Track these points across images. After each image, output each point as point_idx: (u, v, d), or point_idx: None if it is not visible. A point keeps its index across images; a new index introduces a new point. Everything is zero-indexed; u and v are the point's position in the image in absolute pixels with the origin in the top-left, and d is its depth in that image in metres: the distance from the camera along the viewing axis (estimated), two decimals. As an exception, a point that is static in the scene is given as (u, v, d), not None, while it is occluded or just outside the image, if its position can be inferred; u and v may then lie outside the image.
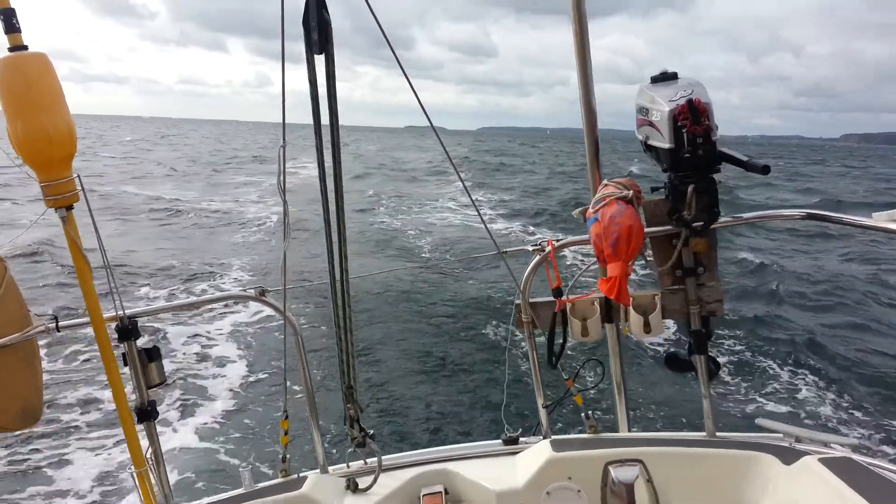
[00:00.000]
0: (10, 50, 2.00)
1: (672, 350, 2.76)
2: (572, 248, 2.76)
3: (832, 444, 2.48)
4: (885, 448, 6.98)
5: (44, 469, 5.79)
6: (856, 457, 2.26)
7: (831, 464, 2.09)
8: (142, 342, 2.49)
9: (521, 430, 2.91)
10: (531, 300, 2.67)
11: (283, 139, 2.04)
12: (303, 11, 1.81)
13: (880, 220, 2.04)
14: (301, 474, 2.60)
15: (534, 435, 2.92)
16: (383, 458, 2.61)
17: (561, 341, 2.67)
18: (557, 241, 2.64)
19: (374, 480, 2.49)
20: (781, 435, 2.62)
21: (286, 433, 2.71)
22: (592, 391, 2.85)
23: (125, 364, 2.44)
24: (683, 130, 2.28)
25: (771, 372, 9.20)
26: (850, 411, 7.98)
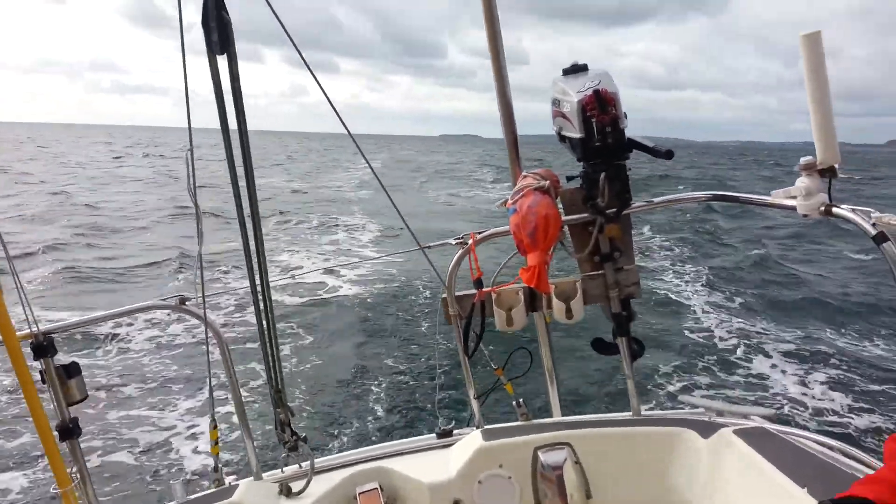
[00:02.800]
0: None
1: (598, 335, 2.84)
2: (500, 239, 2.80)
3: (752, 416, 2.59)
4: (803, 415, 7.36)
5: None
6: (770, 426, 2.38)
7: (745, 434, 2.19)
8: (60, 358, 2.41)
9: (454, 422, 2.94)
10: (457, 293, 2.69)
11: (191, 143, 2.01)
12: (201, 12, 1.79)
13: (778, 196, 2.15)
14: (234, 483, 2.56)
15: (468, 426, 2.95)
16: (317, 460, 2.60)
17: (482, 332, 2.71)
18: (479, 233, 2.68)
19: (307, 483, 2.48)
20: (703, 410, 2.73)
21: (216, 443, 2.67)
22: (522, 380, 2.89)
23: (44, 382, 2.36)
24: (592, 120, 2.35)
25: (696, 349, 9.57)
26: (771, 382, 8.38)
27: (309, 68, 2.08)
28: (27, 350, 2.30)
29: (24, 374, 2.26)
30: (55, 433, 2.36)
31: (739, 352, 9.50)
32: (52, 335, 2.38)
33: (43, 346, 2.33)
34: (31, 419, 2.29)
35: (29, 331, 2.32)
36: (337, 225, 22.51)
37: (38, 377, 2.34)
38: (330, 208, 27.12)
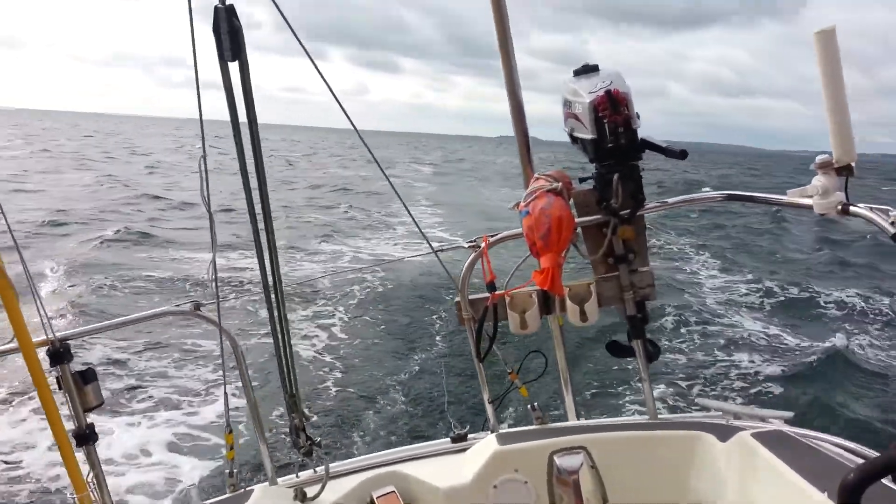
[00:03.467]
0: None
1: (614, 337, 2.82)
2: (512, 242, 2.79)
3: (770, 419, 2.56)
4: (821, 418, 7.26)
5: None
6: (788, 429, 2.35)
7: (763, 437, 2.17)
8: (76, 365, 2.42)
9: (469, 426, 2.93)
10: (471, 297, 2.68)
11: (204, 150, 2.02)
12: (212, 19, 1.79)
13: (793, 196, 2.13)
14: (249, 488, 2.57)
15: (482, 431, 2.94)
16: (332, 465, 2.59)
17: (495, 336, 2.69)
18: (492, 236, 2.67)
19: (322, 488, 2.48)
20: (721, 413, 2.70)
21: (231, 448, 2.67)
22: (536, 383, 2.88)
23: (60, 388, 2.37)
24: (604, 121, 2.34)
25: (713, 352, 9.48)
26: (789, 386, 8.29)
27: (307, 53, 2.08)
28: (43, 356, 2.32)
29: (40, 380, 2.28)
30: (71, 439, 2.37)
31: (757, 354, 9.40)
32: (68, 342, 2.39)
33: (59, 353, 2.35)
34: (47, 425, 2.30)
35: (45, 337, 2.34)
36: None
37: (55, 383, 2.36)
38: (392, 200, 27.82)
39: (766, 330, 10.79)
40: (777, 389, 8.14)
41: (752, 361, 9.14)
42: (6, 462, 6.14)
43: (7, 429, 6.69)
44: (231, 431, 2.67)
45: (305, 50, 2.02)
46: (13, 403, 7.15)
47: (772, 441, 2.12)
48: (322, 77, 2.15)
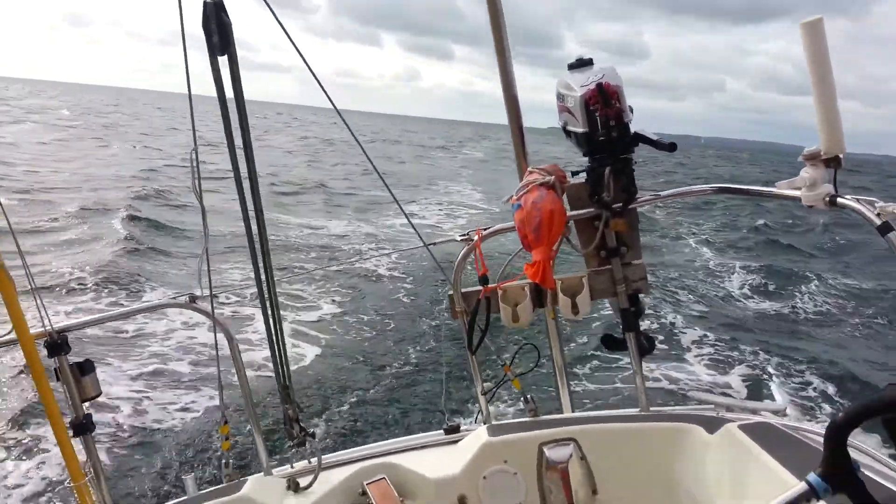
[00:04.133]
0: None
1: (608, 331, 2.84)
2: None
3: (761, 412, 2.58)
4: (814, 411, 7.30)
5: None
6: (776, 421, 2.36)
7: (750, 429, 2.18)
8: (74, 356, 2.44)
9: (461, 418, 2.95)
10: (463, 290, 2.70)
11: (195, 142, 2.03)
12: (202, 15, 1.81)
13: (782, 188, 2.13)
14: (244, 478, 2.59)
15: (475, 423, 2.96)
16: (325, 456, 2.62)
17: (487, 328, 2.71)
18: (485, 230, 2.68)
19: (315, 478, 2.50)
20: (713, 406, 2.72)
21: (227, 438, 2.70)
22: (535, 378, 2.90)
23: (58, 379, 2.40)
24: (596, 114, 2.34)
25: (705, 346, 9.50)
26: (782, 379, 8.32)
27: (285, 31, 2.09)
28: (41, 348, 2.35)
29: (38, 371, 2.31)
30: (69, 429, 2.40)
31: (754, 349, 9.43)
32: (66, 333, 2.41)
33: (57, 345, 2.37)
34: (45, 415, 2.33)
35: (43, 329, 2.36)
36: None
37: (53, 374, 2.38)
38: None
39: (766, 324, 10.83)
40: (776, 383, 8.16)
41: (751, 355, 9.17)
42: (5, 452, 6.18)
43: (5, 420, 6.72)
44: (226, 423, 2.70)
45: (281, 25, 2.03)
46: (11, 394, 7.19)
47: (758, 432, 2.14)
48: (302, 57, 2.16)
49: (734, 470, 2.10)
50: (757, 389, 7.76)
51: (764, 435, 2.10)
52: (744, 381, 8.13)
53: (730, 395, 6.65)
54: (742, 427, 2.19)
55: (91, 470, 2.43)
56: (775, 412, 2.57)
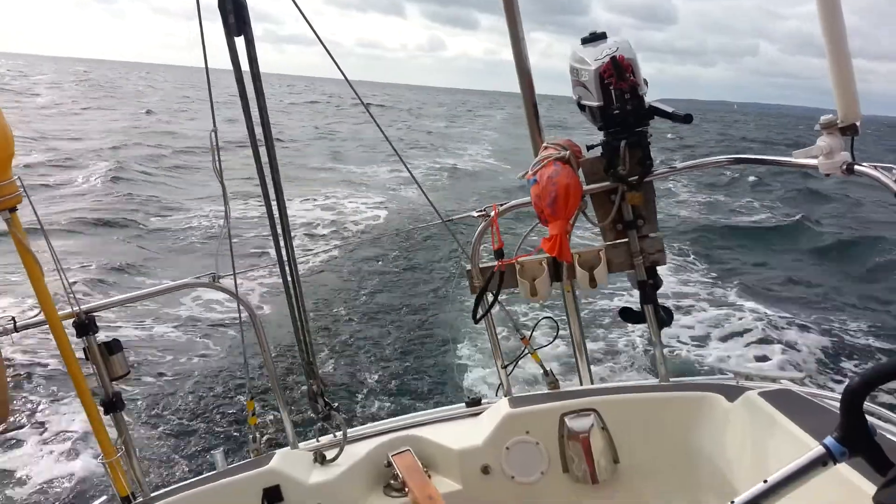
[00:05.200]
0: None
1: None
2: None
3: (781, 381, 2.59)
4: (834, 378, 7.29)
5: (16, 466, 5.81)
6: (796, 388, 2.38)
7: (770, 396, 2.20)
8: (101, 336, 2.51)
9: (484, 392, 3.00)
10: (482, 265, 2.73)
11: (214, 123, 2.07)
12: None
13: (799, 157, 2.13)
14: (271, 452, 2.66)
15: (496, 396, 3.00)
16: (350, 429, 2.68)
17: (496, 299, 2.73)
18: (501, 205, 2.70)
19: (340, 451, 2.56)
20: (732, 376, 2.73)
21: (254, 413, 2.77)
22: (553, 351, 2.93)
23: (87, 359, 2.47)
24: (610, 87, 2.34)
25: (727, 316, 9.47)
26: (800, 349, 8.29)
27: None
28: (70, 329, 2.42)
29: (67, 351, 2.38)
30: (100, 407, 2.47)
31: (772, 320, 9.38)
32: (94, 313, 2.48)
33: (85, 325, 2.43)
34: (76, 394, 2.40)
35: (71, 310, 2.42)
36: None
37: (82, 354, 2.45)
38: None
39: (786, 293, 10.74)
40: (789, 352, 8.15)
41: (768, 324, 9.13)
42: (37, 432, 6.36)
43: (38, 400, 6.91)
44: (252, 398, 2.77)
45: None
46: (43, 375, 7.37)
47: (778, 399, 2.15)
48: (313, 29, 2.17)
49: (755, 436, 2.12)
50: (774, 360, 7.77)
51: (784, 401, 2.12)
52: (760, 351, 8.14)
53: (747, 366, 6.67)
54: (762, 394, 2.21)
55: (122, 446, 2.51)
56: (794, 380, 2.58)
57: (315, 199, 18.50)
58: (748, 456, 2.13)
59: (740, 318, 9.46)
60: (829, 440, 1.11)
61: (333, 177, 23.35)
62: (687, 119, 2.33)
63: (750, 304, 10.11)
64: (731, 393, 2.38)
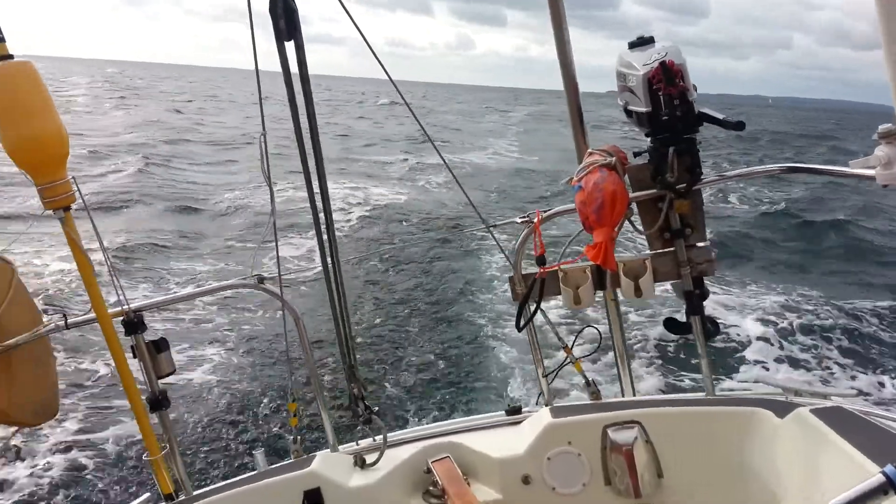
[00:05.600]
0: None
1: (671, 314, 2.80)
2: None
3: (831, 397, 2.50)
4: (886, 398, 7.02)
5: (62, 461, 5.97)
6: (848, 406, 2.29)
7: (822, 413, 2.12)
8: (149, 335, 2.56)
9: (523, 400, 2.97)
10: (524, 272, 2.71)
11: (263, 126, 2.09)
12: (268, 1, 1.85)
13: (856, 167, 2.06)
14: (312, 454, 2.67)
15: (536, 404, 2.97)
16: (389, 434, 2.68)
17: (538, 307, 2.71)
18: (545, 211, 2.68)
19: (380, 456, 2.56)
20: (780, 391, 2.65)
21: (295, 415, 2.78)
22: (593, 360, 2.88)
23: (135, 356, 2.52)
24: (659, 93, 2.31)
25: (774, 331, 9.22)
26: (850, 367, 8.02)
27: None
28: (119, 327, 2.47)
29: (116, 349, 2.43)
30: (146, 405, 2.52)
31: (820, 334, 9.11)
32: (142, 312, 2.53)
33: (134, 323, 2.48)
34: (120, 393, 2.45)
35: (120, 309, 2.48)
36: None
37: (130, 352, 2.50)
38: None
39: (834, 309, 10.43)
40: (843, 371, 7.89)
41: (817, 341, 8.87)
42: (83, 428, 6.53)
43: (86, 396, 7.10)
44: (294, 400, 2.78)
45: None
46: (89, 372, 7.58)
47: (831, 417, 2.08)
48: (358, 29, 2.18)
49: (807, 455, 2.05)
50: (824, 376, 7.54)
51: (838, 420, 2.04)
52: (808, 368, 7.92)
53: (795, 381, 6.50)
54: (814, 411, 2.13)
55: (167, 444, 2.55)
56: (846, 398, 2.49)
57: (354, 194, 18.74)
58: (799, 475, 2.06)
59: (780, 327, 9.25)
60: (890, 469, 1.06)
61: (358, 169, 23.90)
62: (739, 126, 2.28)
63: (791, 313, 9.88)
64: (781, 409, 2.30)
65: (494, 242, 2.89)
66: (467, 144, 34.69)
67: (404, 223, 16.45)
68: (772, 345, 8.72)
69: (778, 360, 8.17)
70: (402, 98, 2.55)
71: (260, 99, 2.07)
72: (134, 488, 5.49)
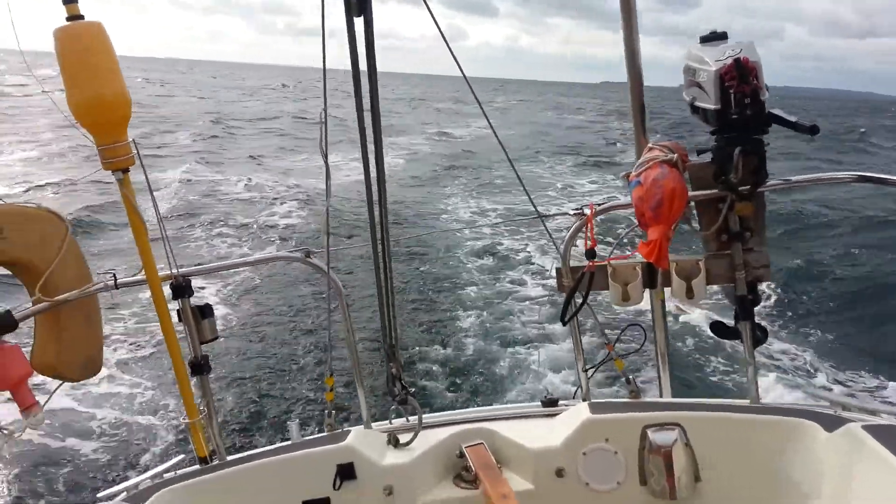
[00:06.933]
0: (68, 20, 2.09)
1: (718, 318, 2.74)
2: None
3: (881, 414, 2.43)
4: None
5: (103, 418, 6.14)
6: None
7: (875, 431, 2.05)
8: (194, 300, 2.59)
9: (561, 393, 2.94)
10: (572, 265, 2.66)
11: (325, 102, 2.08)
12: None
13: None
14: (346, 429, 2.69)
15: (574, 398, 2.94)
16: (424, 416, 2.67)
17: (584, 301, 2.66)
18: (598, 205, 2.63)
19: (415, 436, 2.56)
20: (828, 404, 2.58)
21: (331, 389, 2.80)
22: (634, 357, 2.84)
23: (180, 320, 2.55)
24: (731, 91, 2.23)
25: (822, 342, 8.99)
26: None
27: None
28: (167, 290, 2.50)
29: (163, 311, 2.46)
30: (187, 368, 2.55)
31: (875, 345, 8.84)
32: (189, 277, 2.56)
33: (181, 287, 2.51)
34: (162, 355, 2.49)
35: (169, 272, 2.51)
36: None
37: (175, 316, 2.53)
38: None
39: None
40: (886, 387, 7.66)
41: (870, 353, 8.60)
42: (124, 387, 6.70)
43: (127, 355, 7.28)
44: (332, 374, 2.80)
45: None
46: (135, 332, 7.77)
47: (884, 435, 2.01)
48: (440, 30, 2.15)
49: (858, 473, 1.98)
50: (871, 391, 7.32)
51: (892, 438, 1.97)
52: (855, 382, 7.70)
53: (845, 394, 6.31)
54: (867, 428, 2.06)
55: (205, 408, 2.58)
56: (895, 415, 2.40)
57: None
58: (847, 493, 2.00)
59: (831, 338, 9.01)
60: None
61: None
62: (813, 130, 2.19)
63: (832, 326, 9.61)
64: (830, 423, 2.24)
65: (545, 232, 2.84)
66: (452, 123, 42.06)
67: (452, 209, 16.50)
68: (815, 354, 8.52)
69: (820, 371, 7.98)
70: (473, 93, 2.53)
71: (324, 76, 2.05)
72: (170, 449, 5.62)
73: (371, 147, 2.10)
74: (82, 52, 2.09)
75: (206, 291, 8.94)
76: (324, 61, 1.94)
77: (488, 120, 2.71)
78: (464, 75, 2.41)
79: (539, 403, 2.91)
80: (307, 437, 2.69)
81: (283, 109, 46.54)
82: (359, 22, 1.89)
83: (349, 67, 1.94)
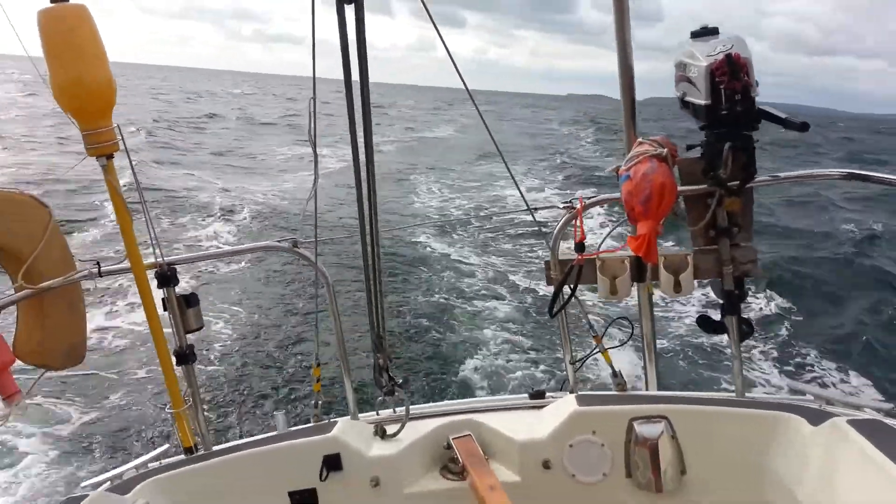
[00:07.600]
0: (52, 1, 2.05)
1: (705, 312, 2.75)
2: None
3: (865, 409, 2.45)
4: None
5: (86, 408, 6.09)
6: (888, 420, 2.23)
7: (859, 425, 2.07)
8: (180, 289, 2.56)
9: (548, 385, 2.95)
10: (561, 258, 2.66)
11: (314, 91, 2.06)
12: None
13: None
14: (332, 420, 2.68)
15: (561, 391, 2.94)
16: (411, 407, 2.67)
17: (573, 294, 2.67)
18: (588, 199, 2.62)
19: (402, 427, 2.56)
20: (813, 398, 2.60)
21: (318, 380, 2.79)
22: (619, 350, 2.85)
23: (164, 309, 2.52)
24: (721, 86, 2.23)
25: (807, 336, 9.08)
26: (887, 379, 7.85)
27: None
28: (152, 278, 2.48)
29: (148, 300, 2.44)
30: (172, 357, 2.53)
31: (858, 342, 8.94)
32: (175, 266, 2.53)
33: (167, 276, 2.48)
34: (146, 344, 2.47)
35: (154, 261, 2.48)
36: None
37: (160, 304, 2.51)
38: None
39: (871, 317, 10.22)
40: (874, 382, 7.74)
41: (855, 350, 8.70)
42: (108, 375, 6.65)
43: (111, 344, 7.22)
44: (319, 365, 2.79)
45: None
46: (120, 320, 7.70)
47: (870, 430, 2.02)
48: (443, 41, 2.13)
49: (841, 468, 2.00)
50: (855, 386, 7.40)
51: (878, 433, 1.99)
52: (839, 376, 7.79)
53: (830, 389, 6.38)
54: (851, 422, 2.08)
55: (190, 398, 2.56)
56: (883, 411, 2.43)
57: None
58: (834, 489, 2.01)
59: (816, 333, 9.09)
60: None
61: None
62: (803, 127, 2.20)
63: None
64: (814, 417, 2.25)
65: (534, 228, 2.84)
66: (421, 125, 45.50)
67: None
68: (800, 350, 8.61)
69: (806, 367, 8.06)
70: (474, 104, 2.52)
71: (314, 65, 2.03)
72: (155, 438, 5.59)
73: (361, 140, 2.09)
74: (66, 32, 2.05)
75: (193, 281, 8.89)
76: (313, 47, 1.91)
77: (483, 120, 2.70)
78: (462, 76, 2.40)
79: (526, 395, 2.92)
80: (293, 428, 2.68)
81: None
82: (349, 9, 1.87)
83: (338, 76, 1.93)
